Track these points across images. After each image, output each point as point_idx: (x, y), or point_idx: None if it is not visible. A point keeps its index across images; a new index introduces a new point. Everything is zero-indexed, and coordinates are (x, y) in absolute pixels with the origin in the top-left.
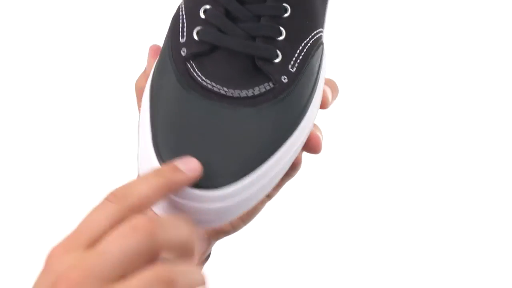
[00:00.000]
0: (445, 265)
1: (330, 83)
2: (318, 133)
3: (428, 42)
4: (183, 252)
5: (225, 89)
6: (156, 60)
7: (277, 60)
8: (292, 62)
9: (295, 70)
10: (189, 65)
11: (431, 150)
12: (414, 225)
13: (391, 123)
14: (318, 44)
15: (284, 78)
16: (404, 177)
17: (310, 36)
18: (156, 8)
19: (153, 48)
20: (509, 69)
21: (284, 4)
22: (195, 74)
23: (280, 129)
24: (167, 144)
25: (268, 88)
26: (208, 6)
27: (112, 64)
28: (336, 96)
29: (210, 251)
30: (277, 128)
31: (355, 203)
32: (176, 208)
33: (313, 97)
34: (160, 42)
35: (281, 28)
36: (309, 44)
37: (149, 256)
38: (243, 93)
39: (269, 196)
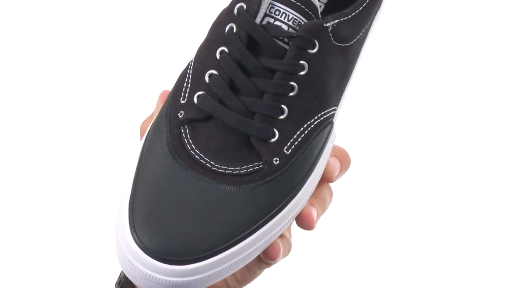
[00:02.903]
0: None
1: (340, 155)
2: (312, 210)
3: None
4: None
5: (212, 162)
6: (159, 110)
7: (273, 140)
8: (288, 144)
9: (290, 153)
10: (182, 130)
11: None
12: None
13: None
14: (324, 125)
15: (276, 160)
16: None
17: (316, 117)
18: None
19: (163, 94)
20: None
21: (292, 83)
22: (186, 141)
23: (260, 212)
24: (141, 208)
25: (256, 168)
26: (214, 72)
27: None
28: (346, 169)
29: None
30: (257, 211)
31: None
32: (140, 275)
33: (308, 178)
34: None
35: (284, 107)
36: (312, 126)
37: None
38: (229, 170)
39: (268, 264)
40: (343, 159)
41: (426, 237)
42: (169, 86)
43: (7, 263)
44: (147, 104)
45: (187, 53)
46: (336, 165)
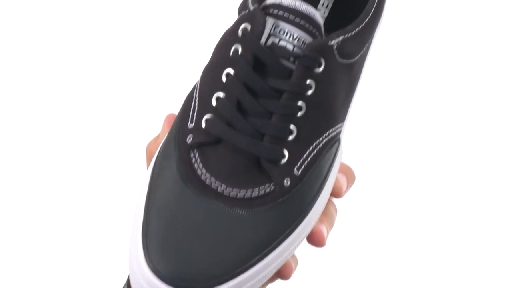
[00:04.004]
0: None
1: (346, 170)
2: (322, 227)
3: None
4: None
5: (223, 186)
6: (166, 135)
7: (283, 161)
8: (298, 164)
9: (300, 173)
10: (192, 155)
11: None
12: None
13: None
14: (332, 142)
15: (287, 181)
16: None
17: (325, 135)
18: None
19: (169, 117)
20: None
21: (299, 103)
22: (196, 166)
23: (273, 234)
24: (155, 234)
25: (268, 190)
26: (221, 94)
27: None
28: (352, 184)
29: None
30: (271, 233)
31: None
32: None
33: (318, 197)
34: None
35: (292, 128)
36: (321, 145)
37: None
38: (241, 193)
39: (272, 281)
40: (349, 175)
41: (425, 243)
42: (174, 106)
43: (14, 275)
44: (153, 125)
45: (192, 74)
46: (344, 182)
